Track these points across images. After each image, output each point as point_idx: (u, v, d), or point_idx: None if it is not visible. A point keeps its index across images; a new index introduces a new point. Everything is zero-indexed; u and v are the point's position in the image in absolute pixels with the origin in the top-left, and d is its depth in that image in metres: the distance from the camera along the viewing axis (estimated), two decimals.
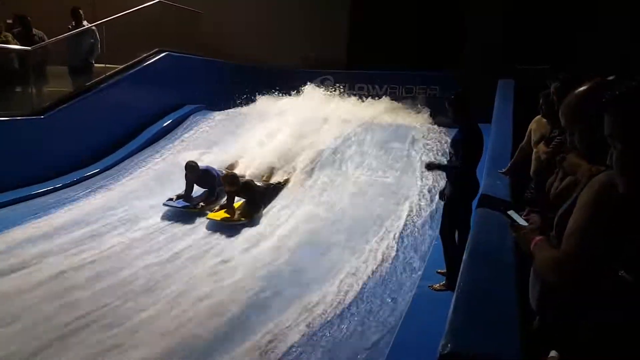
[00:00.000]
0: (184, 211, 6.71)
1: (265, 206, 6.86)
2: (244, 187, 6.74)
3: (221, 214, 6.48)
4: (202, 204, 6.87)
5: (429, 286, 4.41)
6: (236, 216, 6.46)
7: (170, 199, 6.86)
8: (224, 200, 6.88)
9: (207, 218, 6.48)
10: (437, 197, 6.01)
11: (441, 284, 4.41)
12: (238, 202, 6.79)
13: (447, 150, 4.63)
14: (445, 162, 4.68)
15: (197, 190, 7.20)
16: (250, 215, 6.52)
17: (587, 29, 9.02)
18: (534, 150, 4.16)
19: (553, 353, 1.60)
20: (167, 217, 6.64)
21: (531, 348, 1.77)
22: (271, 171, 7.80)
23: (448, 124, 4.42)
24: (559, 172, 2.62)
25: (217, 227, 6.33)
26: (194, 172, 6.91)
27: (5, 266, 5.07)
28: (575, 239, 1.46)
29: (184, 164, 7.02)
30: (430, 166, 4.71)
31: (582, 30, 9.09)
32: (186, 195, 6.92)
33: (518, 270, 2.23)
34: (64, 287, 4.74)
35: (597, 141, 1.55)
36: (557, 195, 2.46)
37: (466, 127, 4.25)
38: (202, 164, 7.21)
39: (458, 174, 4.28)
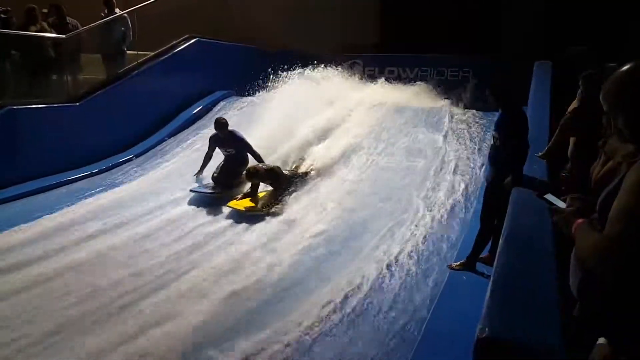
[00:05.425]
0: (208, 197, 6.62)
1: (289, 195, 6.54)
2: (269, 173, 6.52)
3: (244, 203, 6.26)
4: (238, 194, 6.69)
5: (447, 265, 4.53)
6: (259, 205, 6.25)
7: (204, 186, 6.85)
8: (247, 187, 6.68)
9: (228, 206, 6.22)
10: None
11: (458, 263, 4.46)
12: (262, 191, 6.64)
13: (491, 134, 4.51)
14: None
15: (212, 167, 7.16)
16: (274, 205, 6.29)
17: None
18: None
19: (602, 340, 1.55)
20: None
21: (572, 335, 1.72)
22: (301, 158, 7.70)
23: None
24: (601, 156, 2.54)
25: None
26: (223, 128, 6.93)
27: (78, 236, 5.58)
28: (619, 222, 1.41)
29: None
30: None
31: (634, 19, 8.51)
32: (204, 164, 7.12)
33: (557, 255, 2.17)
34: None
35: None
36: (599, 179, 2.38)
37: (512, 113, 4.11)
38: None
39: (502, 157, 4.13)
